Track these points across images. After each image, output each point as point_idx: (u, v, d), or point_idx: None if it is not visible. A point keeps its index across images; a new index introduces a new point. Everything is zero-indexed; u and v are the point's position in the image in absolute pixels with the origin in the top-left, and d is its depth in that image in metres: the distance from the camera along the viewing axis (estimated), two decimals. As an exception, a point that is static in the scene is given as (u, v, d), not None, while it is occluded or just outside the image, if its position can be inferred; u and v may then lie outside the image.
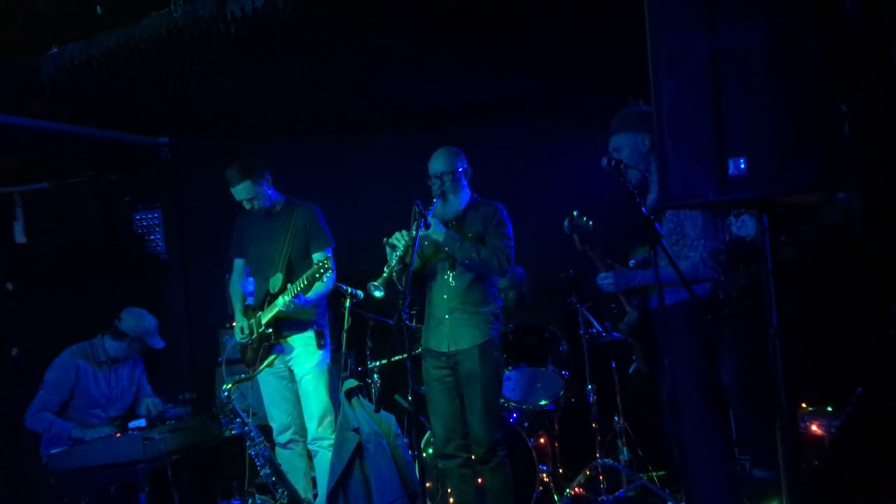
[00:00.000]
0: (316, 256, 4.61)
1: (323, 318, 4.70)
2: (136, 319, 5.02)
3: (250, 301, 4.79)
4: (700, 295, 3.42)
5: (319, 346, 4.60)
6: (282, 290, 4.53)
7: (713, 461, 3.45)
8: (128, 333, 4.99)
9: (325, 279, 4.38)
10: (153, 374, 5.37)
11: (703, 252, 3.44)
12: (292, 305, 4.44)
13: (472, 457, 4.16)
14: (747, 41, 2.23)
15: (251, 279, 4.86)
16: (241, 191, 4.58)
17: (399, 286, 3.87)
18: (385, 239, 3.97)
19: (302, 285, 4.40)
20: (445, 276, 4.17)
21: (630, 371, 4.13)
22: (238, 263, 4.87)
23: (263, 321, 4.57)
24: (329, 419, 4.58)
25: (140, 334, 5.00)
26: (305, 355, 4.60)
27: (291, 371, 4.67)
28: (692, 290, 3.19)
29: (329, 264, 4.27)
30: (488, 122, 6.28)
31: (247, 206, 4.65)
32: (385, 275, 3.91)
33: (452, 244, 4.05)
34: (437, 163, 4.19)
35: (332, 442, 4.49)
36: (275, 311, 4.51)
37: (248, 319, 4.66)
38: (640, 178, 3.66)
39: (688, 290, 3.16)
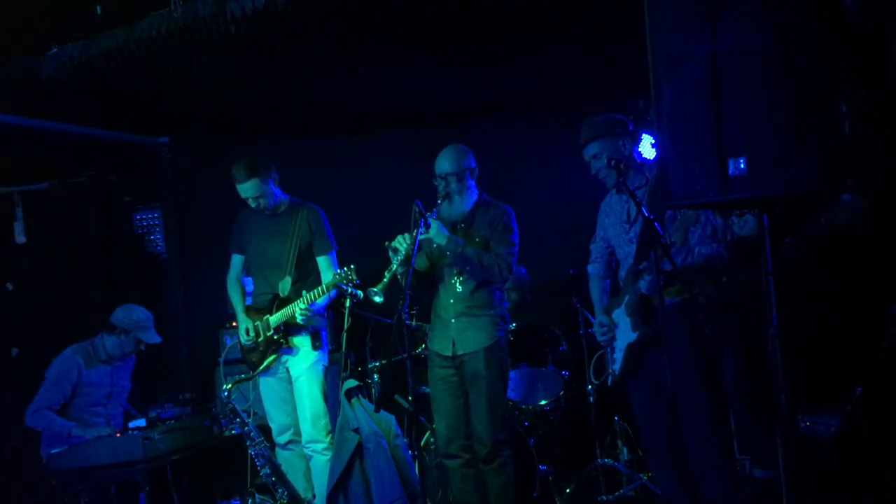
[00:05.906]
0: (320, 259, 4.59)
1: (321, 319, 4.66)
2: (125, 311, 5.01)
3: (248, 301, 4.78)
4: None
5: (315, 348, 4.56)
6: (294, 295, 4.49)
7: (712, 460, 3.45)
8: (116, 325, 4.98)
9: (349, 289, 4.31)
10: (153, 373, 5.37)
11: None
12: (309, 313, 4.42)
13: (475, 457, 4.15)
14: (747, 41, 2.24)
15: (249, 279, 4.84)
16: (247, 188, 4.50)
17: (403, 286, 3.83)
18: (386, 242, 3.93)
19: (318, 294, 4.37)
20: (452, 281, 4.15)
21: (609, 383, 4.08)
22: (237, 260, 4.79)
23: (272, 325, 4.54)
24: (323, 421, 4.54)
25: (128, 326, 4.97)
26: (301, 356, 4.58)
27: (289, 371, 4.66)
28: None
29: (353, 276, 4.22)
30: (488, 121, 6.27)
31: (252, 204, 4.58)
32: (385, 280, 3.88)
33: (455, 248, 4.01)
34: (443, 163, 4.11)
35: (325, 445, 4.49)
36: (286, 317, 4.48)
37: (253, 321, 4.61)
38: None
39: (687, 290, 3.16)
